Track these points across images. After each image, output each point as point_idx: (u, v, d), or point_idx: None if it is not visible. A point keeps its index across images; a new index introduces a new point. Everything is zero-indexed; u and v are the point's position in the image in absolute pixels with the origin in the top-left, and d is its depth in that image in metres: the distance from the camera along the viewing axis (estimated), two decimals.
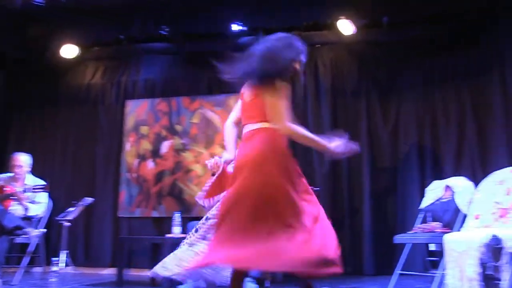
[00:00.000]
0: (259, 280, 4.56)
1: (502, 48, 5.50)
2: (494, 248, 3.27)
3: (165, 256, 4.39)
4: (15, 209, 5.15)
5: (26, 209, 5.24)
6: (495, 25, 5.58)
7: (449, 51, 5.91)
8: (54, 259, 5.57)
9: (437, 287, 3.88)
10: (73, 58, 6.71)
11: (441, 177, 5.07)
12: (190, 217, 5.86)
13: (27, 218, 5.27)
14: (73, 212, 5.85)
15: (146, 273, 5.39)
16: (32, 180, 5.39)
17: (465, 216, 4.07)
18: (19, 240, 5.35)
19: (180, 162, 6.44)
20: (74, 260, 6.11)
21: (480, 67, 5.74)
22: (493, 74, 5.60)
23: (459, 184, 4.52)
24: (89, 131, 6.85)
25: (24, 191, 5.15)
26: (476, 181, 4.28)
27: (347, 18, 5.85)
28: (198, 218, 5.24)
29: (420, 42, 6.04)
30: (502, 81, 5.47)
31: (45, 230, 5.59)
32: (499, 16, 5.51)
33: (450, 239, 3.62)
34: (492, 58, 5.62)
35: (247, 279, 4.49)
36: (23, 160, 5.46)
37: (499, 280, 3.22)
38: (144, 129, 6.63)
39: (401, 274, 4.37)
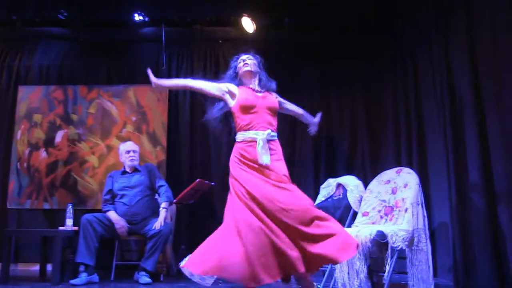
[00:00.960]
0: (153, 274, 4.53)
1: (395, 56, 5.85)
2: (379, 243, 3.49)
3: (57, 249, 4.24)
4: None
5: None
6: (390, 34, 5.93)
7: (347, 57, 6.21)
8: None
9: (327, 281, 4.06)
10: None
11: (334, 175, 5.31)
12: (84, 209, 5.68)
13: None
14: None
15: (35, 268, 5.18)
16: None
17: (355, 213, 4.29)
18: None
19: (75, 152, 6.19)
20: None
21: (374, 73, 6.10)
22: (385, 80, 5.98)
23: (350, 182, 4.75)
24: None
25: None
26: (367, 180, 4.53)
27: (249, 17, 5.95)
28: (92, 211, 5.12)
29: (320, 46, 6.27)
30: (393, 88, 5.84)
31: None
32: (395, 26, 5.85)
33: None
34: (386, 66, 5.98)
35: (142, 272, 4.46)
36: None
37: (383, 272, 3.45)
38: (37, 117, 6.28)
39: None
